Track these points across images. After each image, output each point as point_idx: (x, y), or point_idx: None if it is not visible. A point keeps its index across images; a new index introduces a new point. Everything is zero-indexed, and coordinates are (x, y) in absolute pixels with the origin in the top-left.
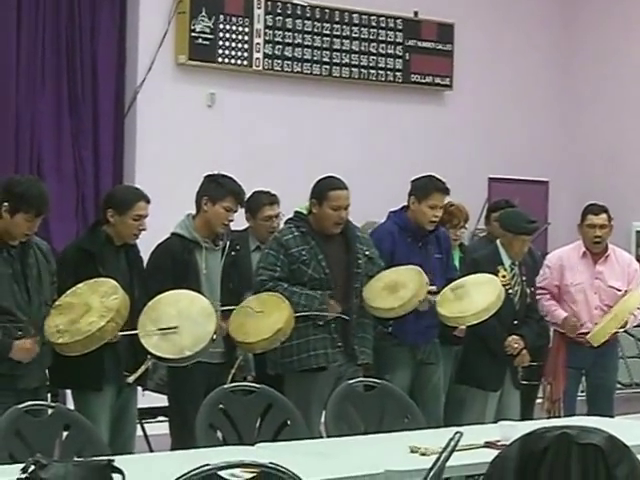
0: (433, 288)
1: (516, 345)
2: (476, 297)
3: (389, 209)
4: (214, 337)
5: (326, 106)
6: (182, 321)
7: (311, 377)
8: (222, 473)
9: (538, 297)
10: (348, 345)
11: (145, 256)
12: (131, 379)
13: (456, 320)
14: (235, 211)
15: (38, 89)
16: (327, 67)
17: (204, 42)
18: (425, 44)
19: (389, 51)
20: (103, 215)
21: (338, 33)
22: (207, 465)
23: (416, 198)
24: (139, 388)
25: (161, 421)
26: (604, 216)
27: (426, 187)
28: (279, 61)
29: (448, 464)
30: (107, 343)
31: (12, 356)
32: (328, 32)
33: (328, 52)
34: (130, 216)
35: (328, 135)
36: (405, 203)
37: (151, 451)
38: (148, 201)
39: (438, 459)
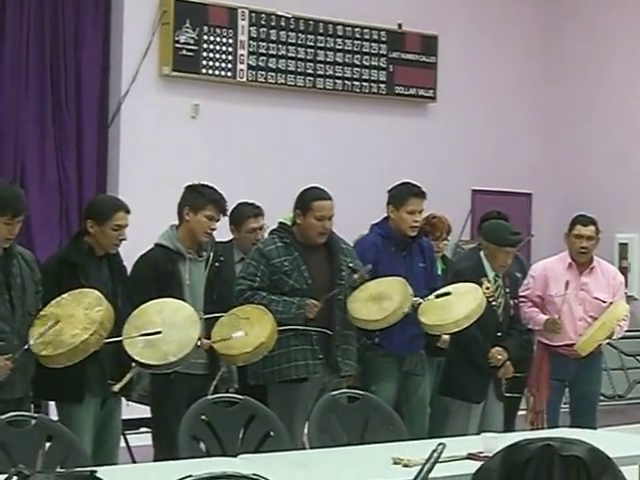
0: (417, 300)
1: (500, 357)
2: (457, 305)
3: (373, 220)
4: (198, 344)
5: (310, 118)
6: (166, 328)
7: (294, 388)
8: None
9: (520, 305)
10: (331, 357)
11: (129, 266)
12: (116, 388)
13: (437, 328)
14: (217, 219)
15: (22, 99)
16: (311, 79)
17: (188, 53)
18: (409, 56)
19: (373, 63)
20: (84, 225)
21: (322, 45)
22: (190, 476)
23: (394, 206)
24: (123, 399)
25: (144, 432)
26: (592, 228)
27: (402, 194)
28: (263, 72)
29: (431, 476)
30: (91, 354)
31: None
32: (312, 44)
33: (312, 64)
34: (109, 226)
35: (312, 146)
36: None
37: (134, 462)
38: (128, 211)
39: (421, 470)
